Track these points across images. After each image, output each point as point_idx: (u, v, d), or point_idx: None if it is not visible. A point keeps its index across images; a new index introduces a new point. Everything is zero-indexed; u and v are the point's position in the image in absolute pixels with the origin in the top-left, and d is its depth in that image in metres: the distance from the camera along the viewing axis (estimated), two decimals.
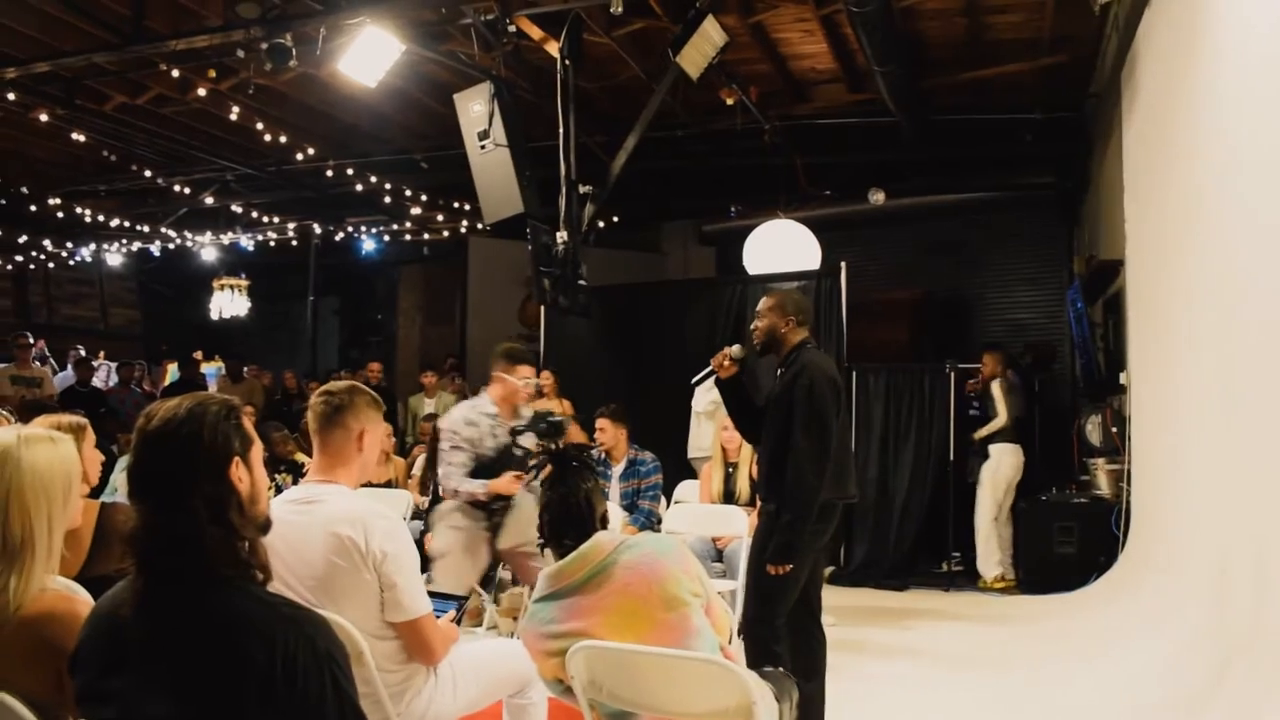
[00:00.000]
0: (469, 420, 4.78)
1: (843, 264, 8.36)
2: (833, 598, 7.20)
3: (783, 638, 3.79)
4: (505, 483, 4.64)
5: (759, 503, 6.32)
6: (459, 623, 3.57)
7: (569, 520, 2.69)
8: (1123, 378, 7.45)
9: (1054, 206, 10.76)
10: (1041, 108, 9.18)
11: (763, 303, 4.21)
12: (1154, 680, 4.61)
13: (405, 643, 2.72)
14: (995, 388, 8.14)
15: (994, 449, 8.05)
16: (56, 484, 2.07)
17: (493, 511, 4.73)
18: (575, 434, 5.65)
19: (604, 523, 2.76)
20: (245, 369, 12.18)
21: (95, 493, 3.52)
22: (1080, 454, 8.50)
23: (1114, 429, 7.76)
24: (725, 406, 4.33)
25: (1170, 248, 5.87)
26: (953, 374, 8.16)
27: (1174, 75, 5.61)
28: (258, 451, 1.90)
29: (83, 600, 2.05)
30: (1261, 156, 4.03)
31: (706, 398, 7.81)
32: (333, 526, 2.60)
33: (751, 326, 4.27)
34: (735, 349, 4.15)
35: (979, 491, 8.05)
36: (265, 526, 1.88)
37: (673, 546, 2.65)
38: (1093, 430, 8.18)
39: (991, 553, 7.90)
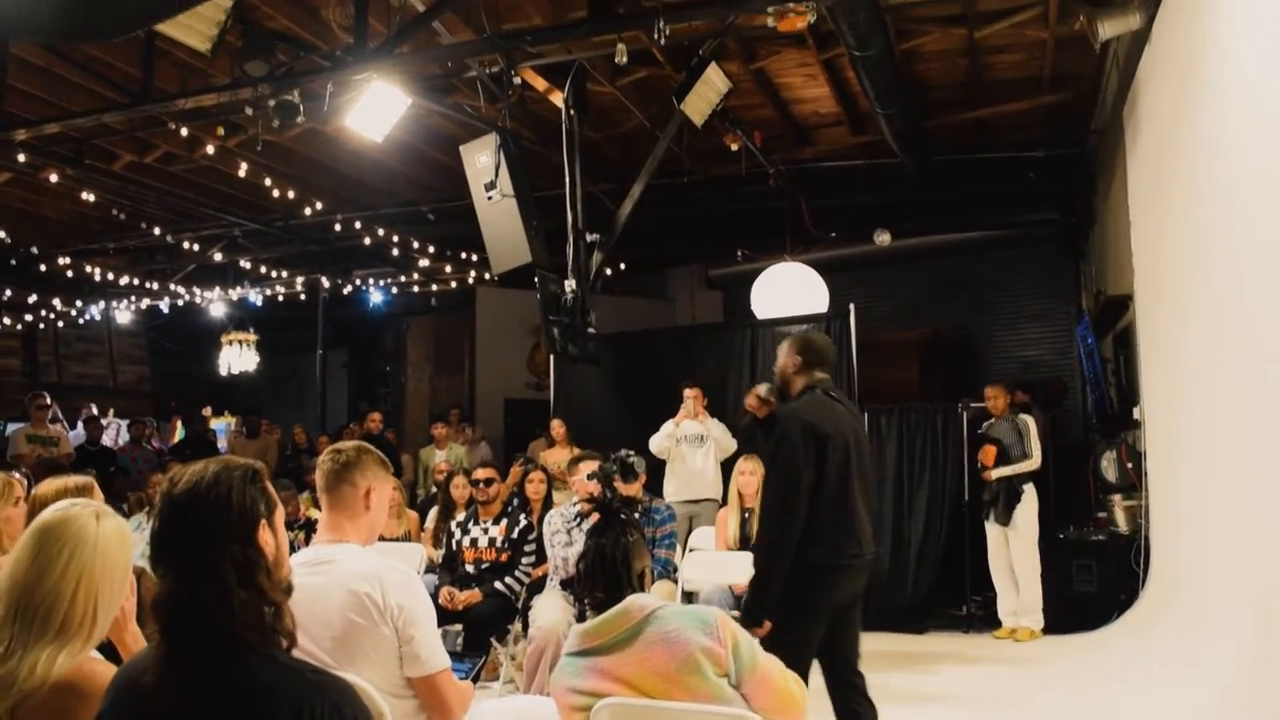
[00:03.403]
0: (563, 514, 5.52)
1: (851, 306, 8.35)
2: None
3: None
4: None
5: None
6: (476, 678, 3.52)
7: (603, 572, 2.66)
8: (1137, 412, 7.41)
9: (1060, 243, 10.78)
10: (1044, 145, 9.23)
11: (783, 344, 4.08)
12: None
13: (422, 700, 2.66)
14: (1031, 424, 7.66)
15: (1026, 489, 7.49)
16: (119, 564, 2.06)
17: None
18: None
19: (641, 581, 2.70)
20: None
21: None
22: (1097, 490, 8.43)
23: (1129, 464, 7.70)
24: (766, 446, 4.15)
25: (1179, 280, 5.86)
26: (965, 413, 8.11)
27: (1176, 110, 5.64)
28: (281, 514, 1.88)
29: (103, 668, 2.02)
30: (1266, 186, 4.03)
31: (658, 437, 7.84)
32: (350, 584, 2.57)
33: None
34: (764, 388, 4.03)
35: (1019, 536, 7.45)
36: (288, 590, 1.85)
37: (704, 623, 2.48)
38: (1108, 466, 8.11)
39: (1037, 600, 7.40)
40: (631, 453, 5.02)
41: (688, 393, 7.89)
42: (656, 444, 7.81)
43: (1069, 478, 8.87)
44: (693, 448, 7.86)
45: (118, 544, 2.07)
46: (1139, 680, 5.49)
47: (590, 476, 5.00)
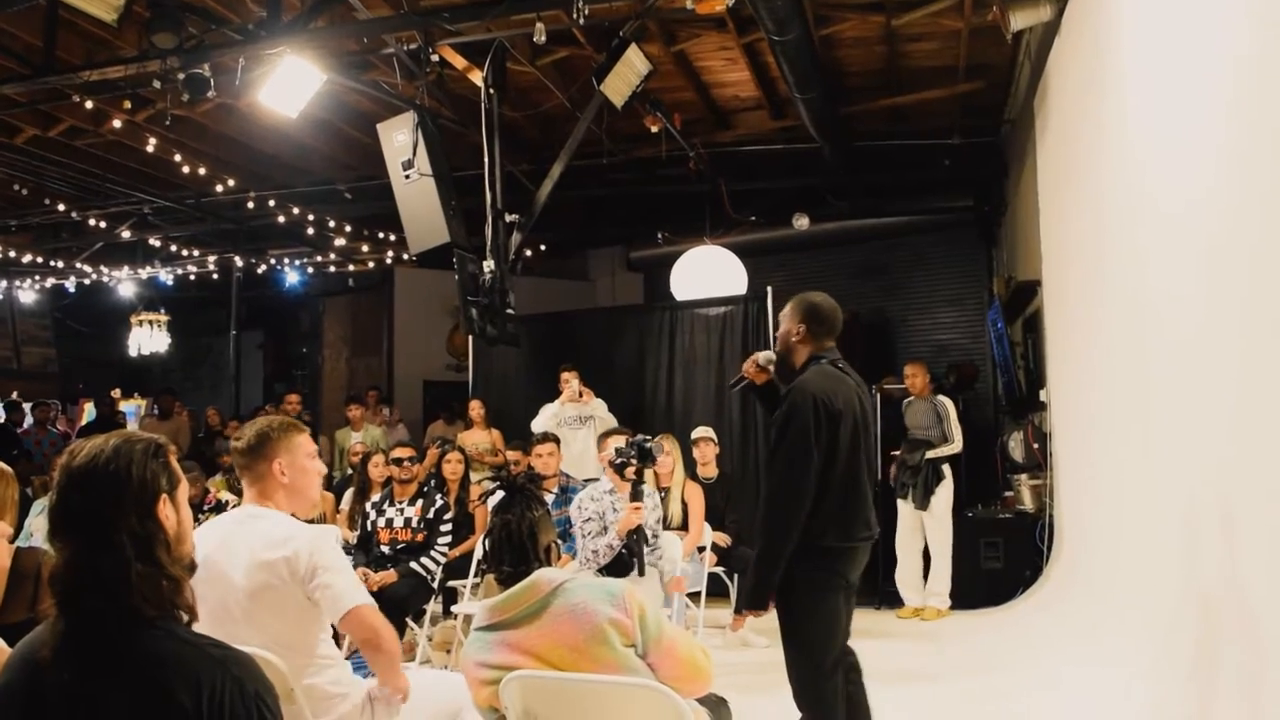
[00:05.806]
0: (594, 498, 5.24)
1: (769, 289, 8.44)
2: (766, 618, 7.22)
3: (835, 693, 3.46)
4: (628, 517, 4.73)
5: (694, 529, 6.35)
6: None
7: (509, 546, 2.72)
8: (1043, 395, 7.61)
9: (973, 229, 11.00)
10: (959, 133, 9.40)
11: (786, 306, 3.78)
12: (1085, 689, 4.70)
13: (355, 639, 2.85)
14: (951, 407, 7.66)
15: (946, 470, 7.56)
16: None
17: (631, 553, 4.83)
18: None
19: (548, 555, 2.77)
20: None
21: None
22: (1004, 470, 8.65)
23: (1036, 445, 7.91)
24: (766, 415, 3.88)
25: (1084, 267, 6.03)
26: (878, 395, 8.25)
27: (1083, 100, 5.79)
28: (184, 491, 1.85)
29: None
30: (1168, 175, 4.16)
31: (541, 420, 7.83)
32: (263, 555, 2.69)
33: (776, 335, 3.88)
34: (764, 355, 3.75)
35: (935, 518, 7.53)
36: (191, 566, 1.83)
37: (611, 594, 2.53)
38: (1015, 447, 8.33)
39: (947, 582, 7.49)
40: (649, 438, 4.96)
41: (565, 375, 7.91)
42: (539, 427, 7.67)
43: (978, 458, 9.07)
44: (573, 430, 7.86)
45: None
46: (1044, 652, 5.66)
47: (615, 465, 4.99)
